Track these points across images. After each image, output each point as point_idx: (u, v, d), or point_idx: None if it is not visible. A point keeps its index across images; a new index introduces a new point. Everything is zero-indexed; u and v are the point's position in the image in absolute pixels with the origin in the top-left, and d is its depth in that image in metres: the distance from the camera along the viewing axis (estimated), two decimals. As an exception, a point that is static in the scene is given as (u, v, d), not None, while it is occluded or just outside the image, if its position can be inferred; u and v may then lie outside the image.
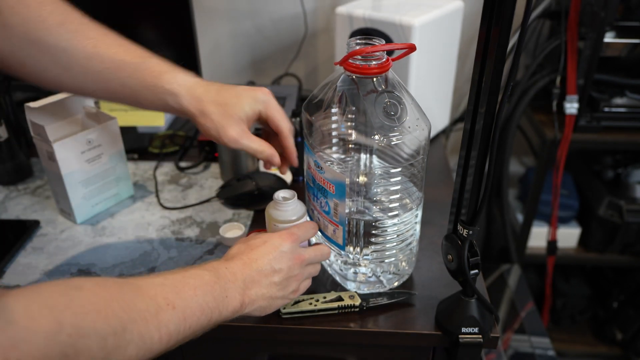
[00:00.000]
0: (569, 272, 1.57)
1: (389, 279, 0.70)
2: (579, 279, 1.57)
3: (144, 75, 0.65)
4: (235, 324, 0.65)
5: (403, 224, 0.66)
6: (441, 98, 1.13)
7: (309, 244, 0.67)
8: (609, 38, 1.18)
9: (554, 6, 1.25)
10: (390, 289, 0.70)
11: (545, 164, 1.30)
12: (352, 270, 0.69)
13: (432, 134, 1.12)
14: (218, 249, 0.79)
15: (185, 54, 1.04)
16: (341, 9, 1.02)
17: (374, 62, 0.59)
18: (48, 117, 0.80)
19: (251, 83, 1.30)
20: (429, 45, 0.99)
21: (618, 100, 1.23)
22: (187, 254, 0.78)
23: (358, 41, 0.61)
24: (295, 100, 1.06)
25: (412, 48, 0.60)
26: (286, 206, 0.65)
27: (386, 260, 0.68)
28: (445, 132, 1.21)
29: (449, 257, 0.62)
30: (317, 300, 0.67)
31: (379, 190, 0.66)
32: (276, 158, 0.68)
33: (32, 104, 0.78)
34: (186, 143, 1.08)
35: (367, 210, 0.66)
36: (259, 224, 0.85)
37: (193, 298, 0.51)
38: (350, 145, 0.63)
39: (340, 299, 0.67)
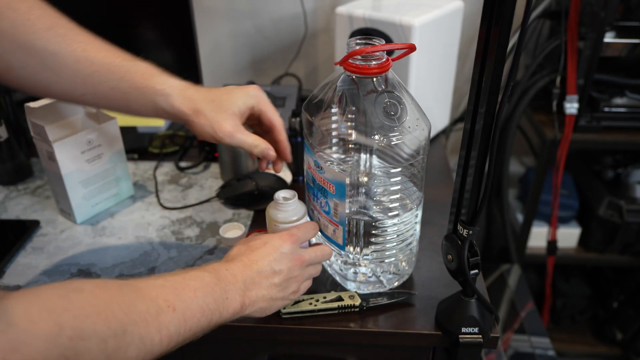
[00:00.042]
0: (569, 272, 1.57)
1: (389, 279, 0.70)
2: (579, 279, 1.57)
3: (134, 77, 0.64)
4: (235, 324, 0.65)
5: (403, 224, 0.66)
6: (441, 98, 1.13)
7: (309, 244, 0.67)
8: (609, 38, 1.18)
9: (554, 6, 1.25)
10: (390, 289, 0.70)
11: (545, 164, 1.30)
12: (352, 270, 0.69)
13: (432, 134, 1.12)
14: (218, 249, 0.79)
15: (185, 54, 1.04)
16: (341, 9, 1.02)
17: (374, 62, 0.59)
18: (48, 117, 0.80)
19: (251, 83, 1.29)
20: (429, 45, 0.99)
21: (618, 100, 1.23)
22: (187, 254, 0.78)
23: (358, 41, 0.61)
24: (295, 100, 1.06)
25: (412, 48, 0.60)
26: (287, 206, 0.65)
27: (386, 260, 0.68)
28: (445, 132, 1.21)
29: (449, 257, 0.62)
30: (317, 300, 0.67)
31: (379, 190, 0.66)
32: (272, 151, 0.68)
33: (32, 104, 0.78)
34: (186, 143, 1.08)
35: (367, 210, 0.66)
36: (259, 224, 0.85)
37: (193, 300, 0.51)
38: (350, 145, 0.63)
39: (340, 299, 0.67)
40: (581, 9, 1.19)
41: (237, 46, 1.38)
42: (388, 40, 0.97)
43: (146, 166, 1.02)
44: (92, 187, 0.85)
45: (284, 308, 0.65)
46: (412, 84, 0.98)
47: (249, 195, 0.86)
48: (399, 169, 0.63)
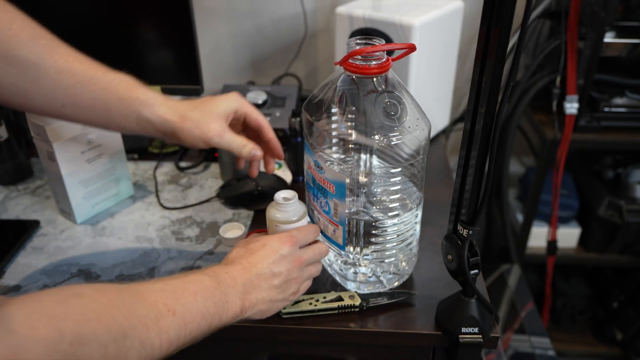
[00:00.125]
0: (569, 272, 1.57)
1: (389, 279, 0.70)
2: (579, 279, 1.57)
3: (117, 88, 0.64)
4: (236, 324, 0.64)
5: (403, 224, 0.66)
6: (441, 98, 1.13)
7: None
8: (609, 38, 1.18)
9: (554, 6, 1.25)
10: (390, 289, 0.70)
11: (545, 164, 1.30)
12: (352, 270, 0.69)
13: (432, 134, 1.12)
14: (218, 249, 0.79)
15: (185, 54, 1.04)
16: (341, 9, 1.02)
17: (374, 62, 0.59)
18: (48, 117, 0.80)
19: (251, 83, 1.30)
20: (429, 45, 0.99)
21: (618, 100, 1.23)
22: (187, 254, 0.78)
23: (358, 41, 0.61)
24: (295, 100, 1.06)
25: (412, 48, 0.60)
26: (287, 207, 0.65)
27: (386, 260, 0.68)
28: (445, 132, 1.21)
29: (449, 257, 0.62)
30: (317, 300, 0.67)
31: (379, 190, 0.66)
32: (259, 152, 0.68)
33: (32, 104, 0.78)
34: (186, 143, 1.08)
35: (367, 210, 0.66)
36: (259, 224, 0.85)
37: (193, 304, 0.51)
38: (350, 145, 0.63)
39: (340, 299, 0.67)
40: (581, 9, 1.19)
41: (237, 46, 1.38)
42: (388, 40, 0.97)
43: (146, 166, 1.02)
44: (92, 187, 0.85)
45: (284, 308, 0.65)
46: (412, 84, 0.98)
47: (249, 195, 0.86)
48: (399, 169, 0.63)
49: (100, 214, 0.88)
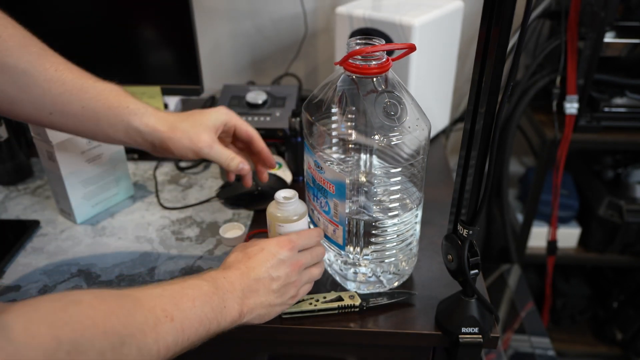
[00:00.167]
0: (569, 272, 1.57)
1: (389, 279, 0.70)
2: (579, 279, 1.57)
3: (107, 97, 0.64)
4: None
5: (403, 224, 0.66)
6: (441, 98, 1.13)
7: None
8: (609, 38, 1.18)
9: (554, 6, 1.25)
10: (390, 289, 0.70)
11: (545, 164, 1.30)
12: (352, 270, 0.69)
13: (432, 134, 1.12)
14: (218, 249, 0.79)
15: (185, 54, 1.04)
16: (341, 9, 1.02)
17: (374, 62, 0.59)
18: (48, 117, 0.80)
19: (251, 83, 1.30)
20: (429, 45, 0.99)
21: (618, 100, 1.23)
22: (187, 254, 0.78)
23: (358, 41, 0.61)
24: (295, 100, 1.06)
25: (412, 48, 0.60)
26: (287, 206, 0.65)
27: (386, 260, 0.68)
28: (445, 132, 1.21)
29: (449, 257, 0.62)
30: (317, 301, 0.67)
31: (379, 190, 0.66)
32: (246, 166, 0.69)
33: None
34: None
35: (367, 210, 0.66)
36: (259, 224, 0.85)
37: (191, 309, 0.51)
38: (350, 145, 0.63)
39: (340, 299, 0.67)
40: (581, 9, 1.19)
41: (237, 46, 1.38)
42: (388, 40, 0.97)
43: (146, 166, 1.02)
44: (92, 187, 0.85)
45: (284, 308, 0.65)
46: (412, 84, 0.98)
47: (249, 195, 0.86)
48: (399, 169, 0.63)
49: (100, 214, 0.88)
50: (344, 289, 0.71)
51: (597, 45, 1.15)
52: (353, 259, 0.68)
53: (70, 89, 0.62)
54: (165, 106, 1.14)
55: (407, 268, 0.72)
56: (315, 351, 0.73)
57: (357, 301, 0.67)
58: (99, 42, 1.05)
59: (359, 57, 0.59)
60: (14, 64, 0.60)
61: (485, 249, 1.62)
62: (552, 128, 1.26)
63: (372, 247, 0.66)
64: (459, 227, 0.60)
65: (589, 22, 1.17)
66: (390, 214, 0.65)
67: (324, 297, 0.67)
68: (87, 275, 0.74)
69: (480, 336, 0.62)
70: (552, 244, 1.40)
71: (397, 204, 0.65)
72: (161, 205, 0.90)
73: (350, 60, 0.59)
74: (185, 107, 1.26)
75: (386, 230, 0.65)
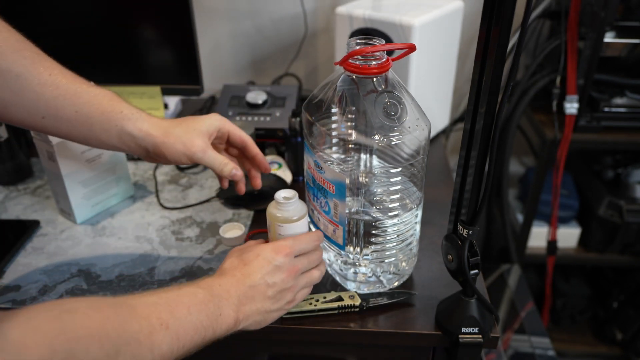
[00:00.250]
0: (569, 272, 1.57)
1: (389, 279, 0.70)
2: (579, 279, 1.57)
3: (101, 101, 0.64)
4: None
5: (403, 224, 0.66)
6: (441, 98, 1.13)
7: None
8: (609, 38, 1.18)
9: (554, 6, 1.25)
10: (390, 289, 0.70)
11: (545, 164, 1.30)
12: (352, 270, 0.69)
13: (432, 134, 1.12)
14: (218, 249, 0.79)
15: (185, 54, 1.04)
16: (341, 9, 1.02)
17: (374, 62, 0.59)
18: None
19: (251, 83, 1.30)
20: (429, 45, 0.99)
21: (618, 100, 1.23)
22: (187, 254, 0.78)
23: (358, 41, 0.61)
24: (295, 100, 1.06)
25: (412, 48, 0.60)
26: (287, 206, 0.65)
27: (386, 260, 0.68)
28: (445, 132, 1.21)
29: (449, 257, 0.62)
30: (317, 300, 0.67)
31: (379, 190, 0.66)
32: (239, 172, 0.69)
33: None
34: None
35: (367, 210, 0.66)
36: (259, 224, 0.85)
37: (187, 317, 0.51)
38: (350, 145, 0.63)
39: (340, 299, 0.67)
40: (581, 9, 1.19)
41: (237, 46, 1.38)
42: (388, 40, 0.97)
43: (146, 166, 1.02)
44: (92, 187, 0.85)
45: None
46: (412, 84, 0.98)
47: (249, 195, 0.85)
48: (399, 169, 0.63)
49: (100, 214, 0.88)
50: (344, 289, 0.71)
51: (597, 45, 1.15)
52: (353, 259, 0.68)
53: (63, 93, 0.62)
54: (165, 106, 1.14)
55: (407, 268, 0.72)
56: (315, 351, 0.73)
57: (357, 301, 0.67)
58: (99, 42, 1.05)
59: (359, 57, 0.59)
60: (8, 68, 0.60)
61: (485, 249, 1.62)
62: (552, 128, 1.26)
63: (372, 247, 0.66)
64: (459, 227, 0.60)
65: (589, 22, 1.17)
66: (390, 214, 0.65)
67: (324, 297, 0.67)
68: (87, 275, 0.74)
69: (480, 336, 0.62)
70: (552, 244, 1.40)
71: (397, 204, 0.65)
72: (161, 205, 0.90)
73: (350, 60, 0.59)
74: (185, 107, 1.26)
75: (386, 230, 0.65)
